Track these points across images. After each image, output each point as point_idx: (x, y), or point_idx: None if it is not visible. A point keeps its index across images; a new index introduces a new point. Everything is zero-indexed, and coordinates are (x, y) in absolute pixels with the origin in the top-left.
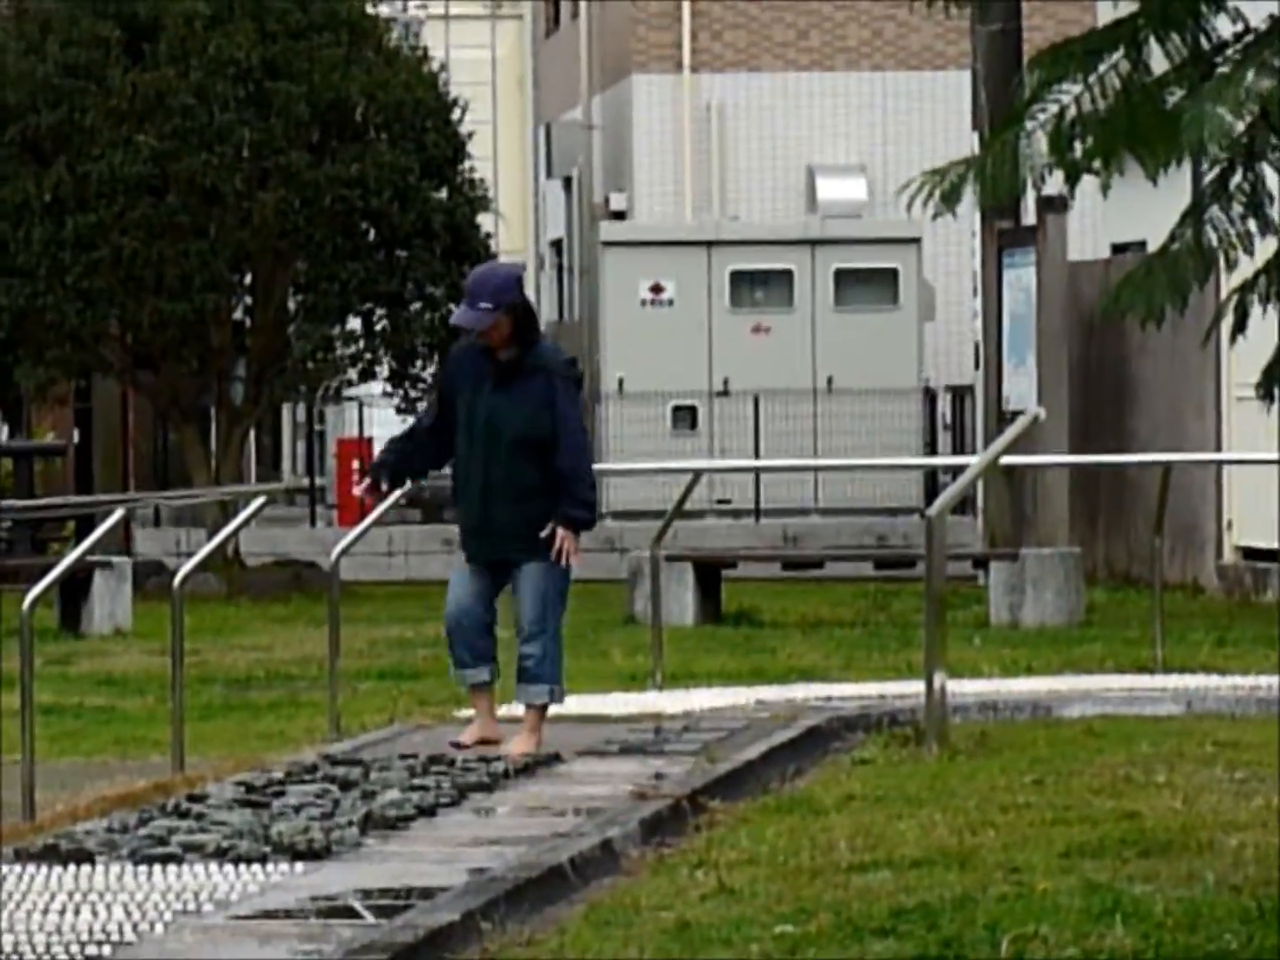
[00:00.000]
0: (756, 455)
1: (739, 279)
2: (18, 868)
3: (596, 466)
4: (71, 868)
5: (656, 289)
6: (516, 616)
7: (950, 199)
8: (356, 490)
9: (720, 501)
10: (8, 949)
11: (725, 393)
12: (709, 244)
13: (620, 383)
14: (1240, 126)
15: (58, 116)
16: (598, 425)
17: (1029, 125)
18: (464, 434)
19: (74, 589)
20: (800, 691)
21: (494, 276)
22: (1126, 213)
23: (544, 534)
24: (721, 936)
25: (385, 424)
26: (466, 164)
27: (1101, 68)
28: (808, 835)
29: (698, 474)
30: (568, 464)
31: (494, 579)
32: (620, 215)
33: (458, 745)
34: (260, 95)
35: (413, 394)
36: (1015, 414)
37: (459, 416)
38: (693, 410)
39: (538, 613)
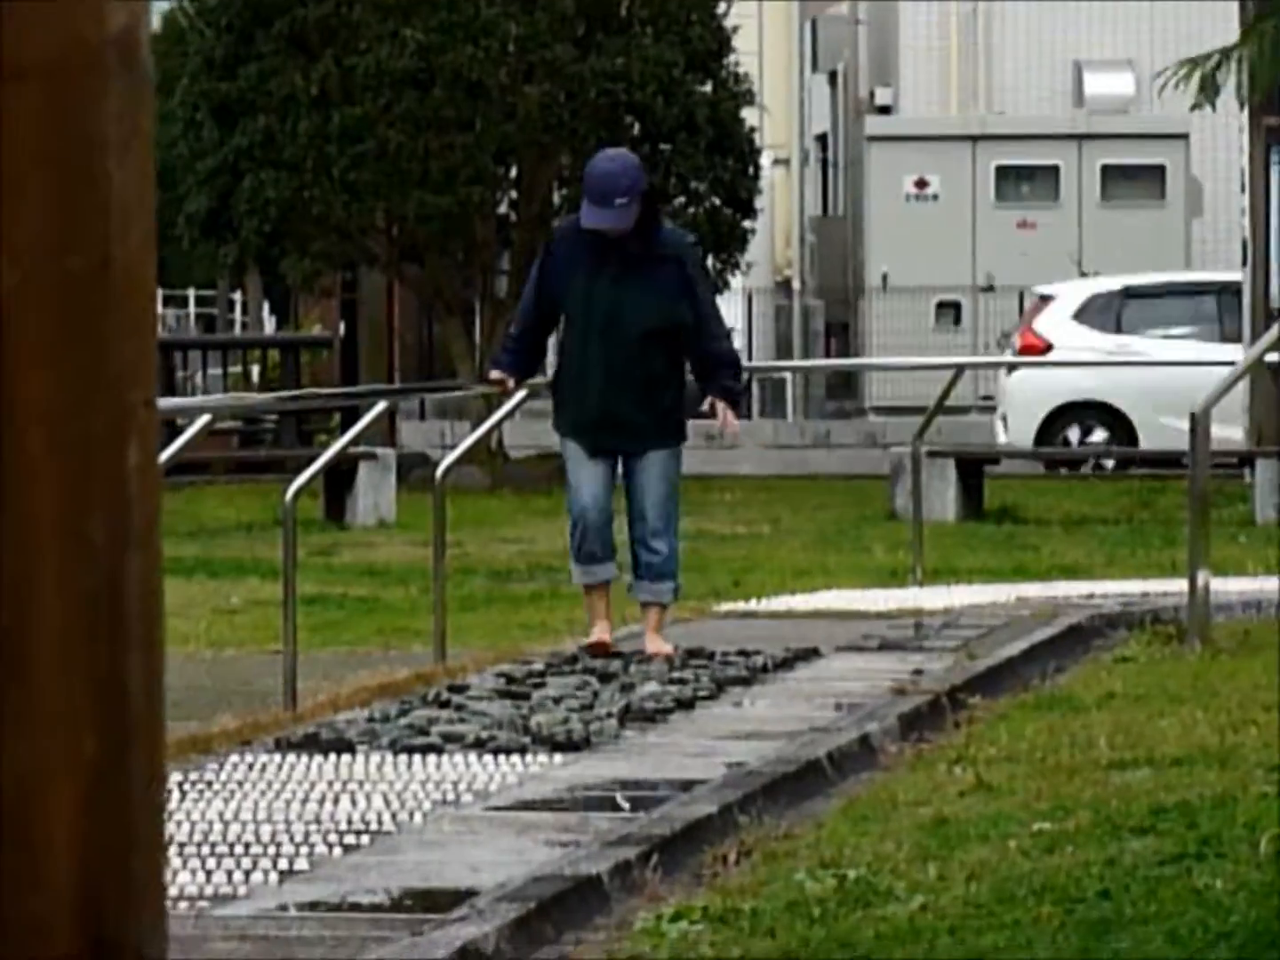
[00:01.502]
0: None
1: (1004, 174)
2: (278, 756)
3: (861, 360)
4: (332, 757)
5: (921, 184)
6: (639, 510)
7: (1208, 89)
8: (494, 375)
9: (983, 398)
10: (266, 838)
11: (990, 288)
12: (974, 139)
13: (884, 278)
14: None
15: (325, 10)
16: (860, 320)
17: None
18: (579, 323)
19: (339, 480)
20: (1062, 589)
21: (623, 169)
22: None
23: (704, 407)
24: (979, 833)
25: None
26: (731, 58)
27: None
28: (1067, 733)
29: (960, 369)
30: (718, 346)
31: (611, 471)
32: (885, 110)
33: (597, 647)
34: None
35: None
36: None
37: (572, 305)
38: (956, 305)
39: (666, 506)
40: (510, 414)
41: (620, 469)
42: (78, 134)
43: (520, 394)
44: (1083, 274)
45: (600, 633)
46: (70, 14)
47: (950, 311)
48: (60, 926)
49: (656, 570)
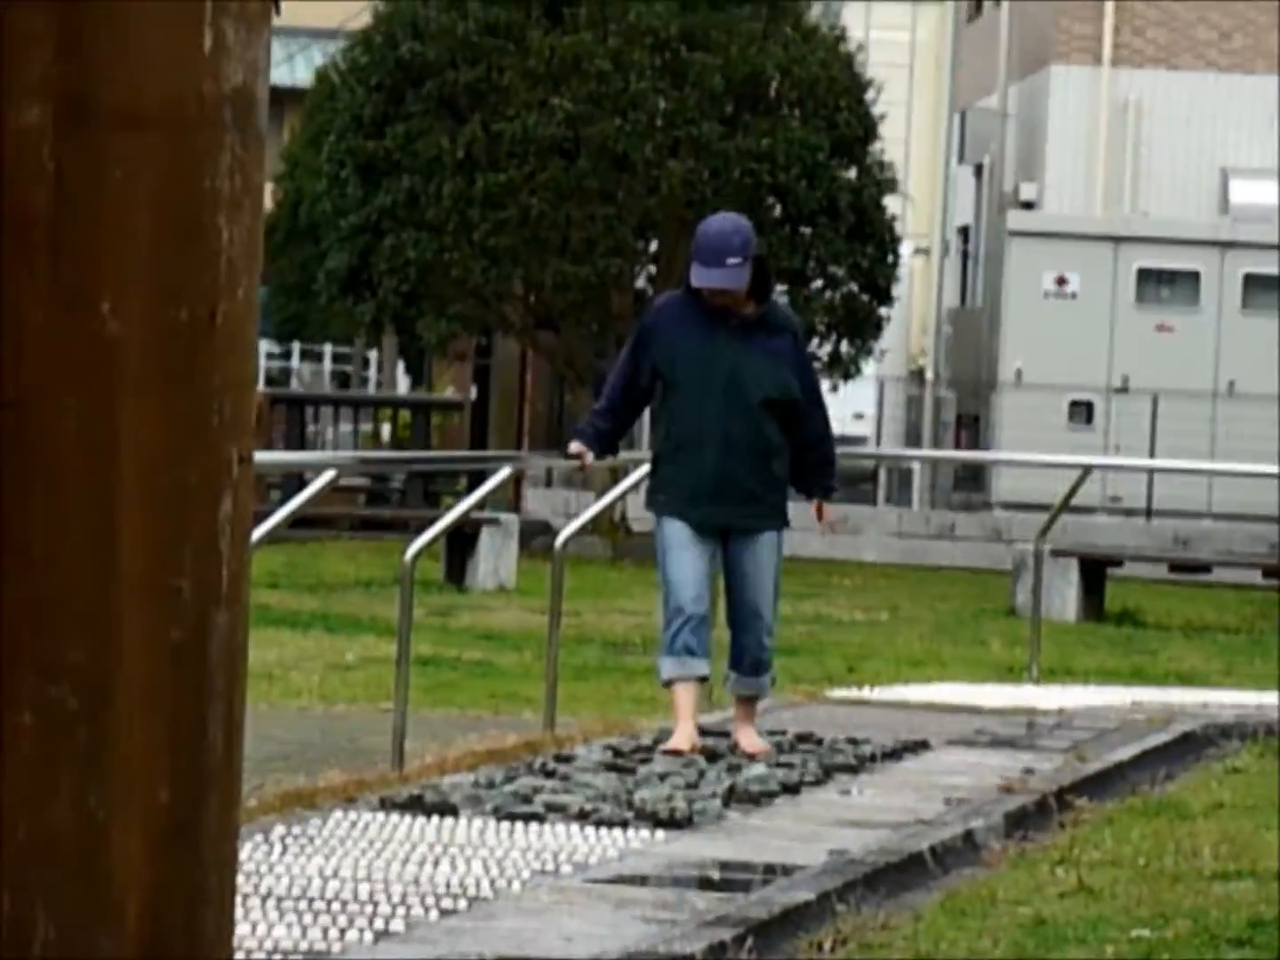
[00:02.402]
0: (1151, 454)
1: (1145, 276)
2: (382, 816)
3: (988, 455)
4: (435, 819)
5: (1061, 281)
6: (740, 595)
7: None
8: (573, 447)
9: (1111, 499)
10: (364, 896)
11: (1124, 389)
12: (1117, 239)
13: (1018, 372)
14: None
15: (475, 74)
16: (992, 413)
17: None
18: (694, 388)
19: (461, 543)
20: (1178, 695)
21: (738, 229)
22: None
23: (811, 509)
24: (1077, 935)
25: None
26: (877, 145)
27: None
28: (1172, 839)
29: (1088, 469)
30: (826, 430)
31: (711, 559)
32: (1029, 205)
33: (675, 752)
34: (676, 64)
35: None
36: None
37: (684, 372)
38: (1089, 405)
39: (772, 597)
40: (633, 487)
41: (722, 553)
42: (192, 186)
43: (643, 469)
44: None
45: (682, 739)
46: (190, 69)
47: (1083, 410)
48: None
49: (758, 663)
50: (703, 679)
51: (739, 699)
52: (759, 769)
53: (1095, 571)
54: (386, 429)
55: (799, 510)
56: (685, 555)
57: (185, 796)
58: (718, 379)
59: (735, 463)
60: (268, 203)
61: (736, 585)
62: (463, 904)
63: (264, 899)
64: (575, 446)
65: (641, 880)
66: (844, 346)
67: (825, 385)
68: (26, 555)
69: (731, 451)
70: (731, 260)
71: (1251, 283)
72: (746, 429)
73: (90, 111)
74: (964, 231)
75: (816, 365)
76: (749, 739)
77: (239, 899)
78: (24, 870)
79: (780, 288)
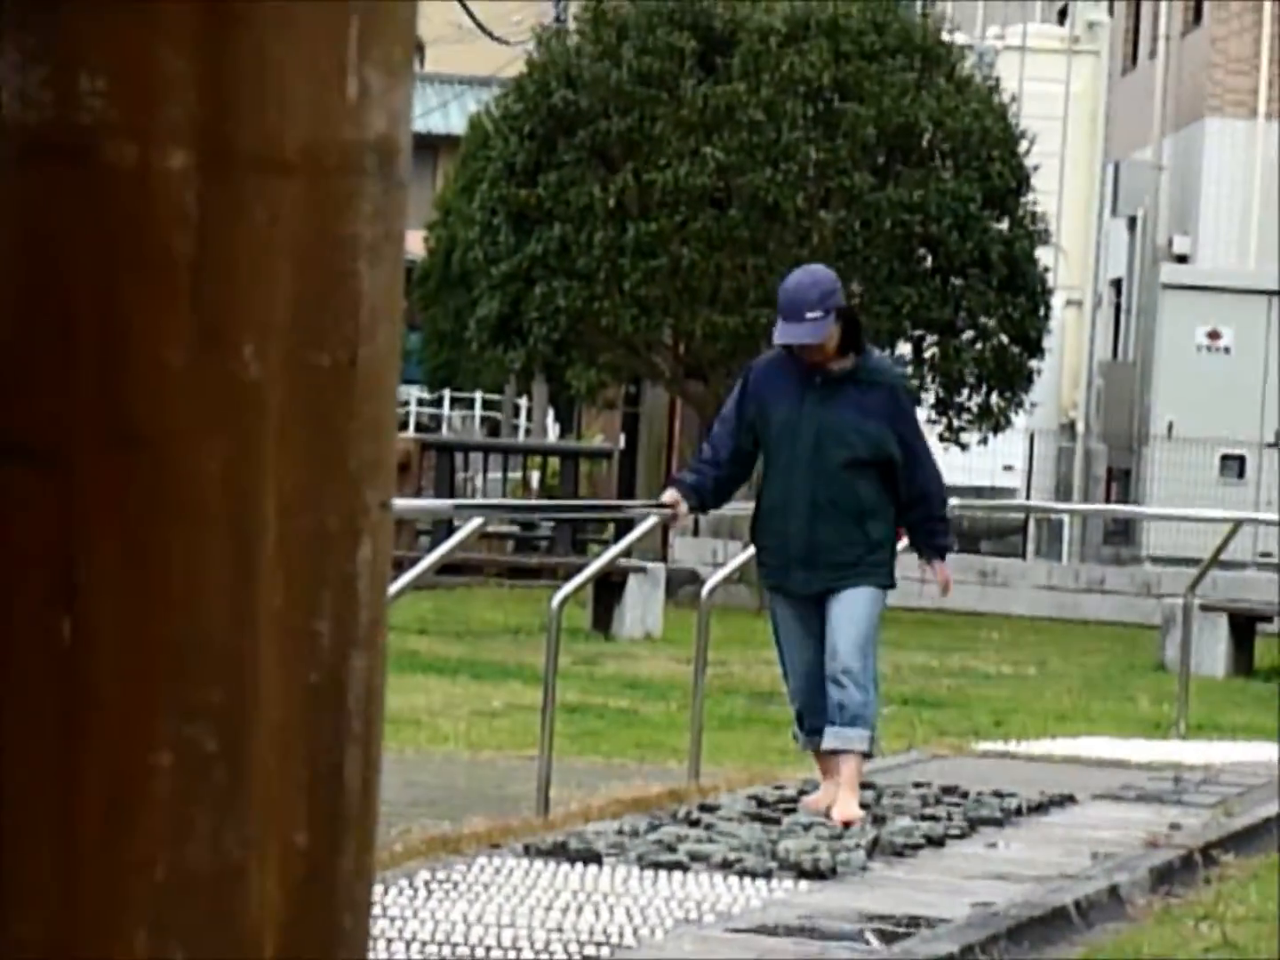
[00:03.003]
0: None
1: None
2: (526, 862)
3: (1138, 509)
4: (579, 867)
5: (1214, 335)
6: (830, 646)
7: None
8: (667, 496)
9: (1262, 555)
10: (507, 942)
11: (1276, 444)
12: (1271, 294)
13: (1170, 426)
14: None
15: (628, 123)
16: (1143, 467)
17: None
18: (782, 452)
19: (608, 591)
20: None
21: (816, 282)
22: None
23: (923, 570)
24: None
25: None
26: (1030, 196)
27: None
28: None
29: (1239, 523)
30: (930, 487)
31: (819, 630)
32: (1183, 259)
33: (814, 807)
34: (829, 115)
35: (957, 423)
36: None
37: (771, 433)
38: (1241, 459)
39: (861, 645)
40: None
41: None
42: (333, 232)
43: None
44: None
45: (824, 797)
46: (333, 116)
47: (1234, 465)
48: None
49: (848, 713)
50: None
51: (831, 754)
52: (904, 821)
53: (1245, 627)
54: (535, 476)
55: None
56: (793, 635)
57: (322, 839)
58: (804, 441)
59: (823, 529)
60: (420, 250)
61: (829, 636)
62: (605, 951)
63: (408, 944)
64: (669, 496)
65: (784, 930)
66: (994, 398)
67: (974, 437)
68: (166, 596)
69: (818, 517)
70: (811, 315)
71: None
72: (835, 492)
73: (233, 156)
74: (1116, 284)
75: (966, 417)
76: (842, 805)
77: (384, 944)
78: (161, 910)
79: (931, 338)
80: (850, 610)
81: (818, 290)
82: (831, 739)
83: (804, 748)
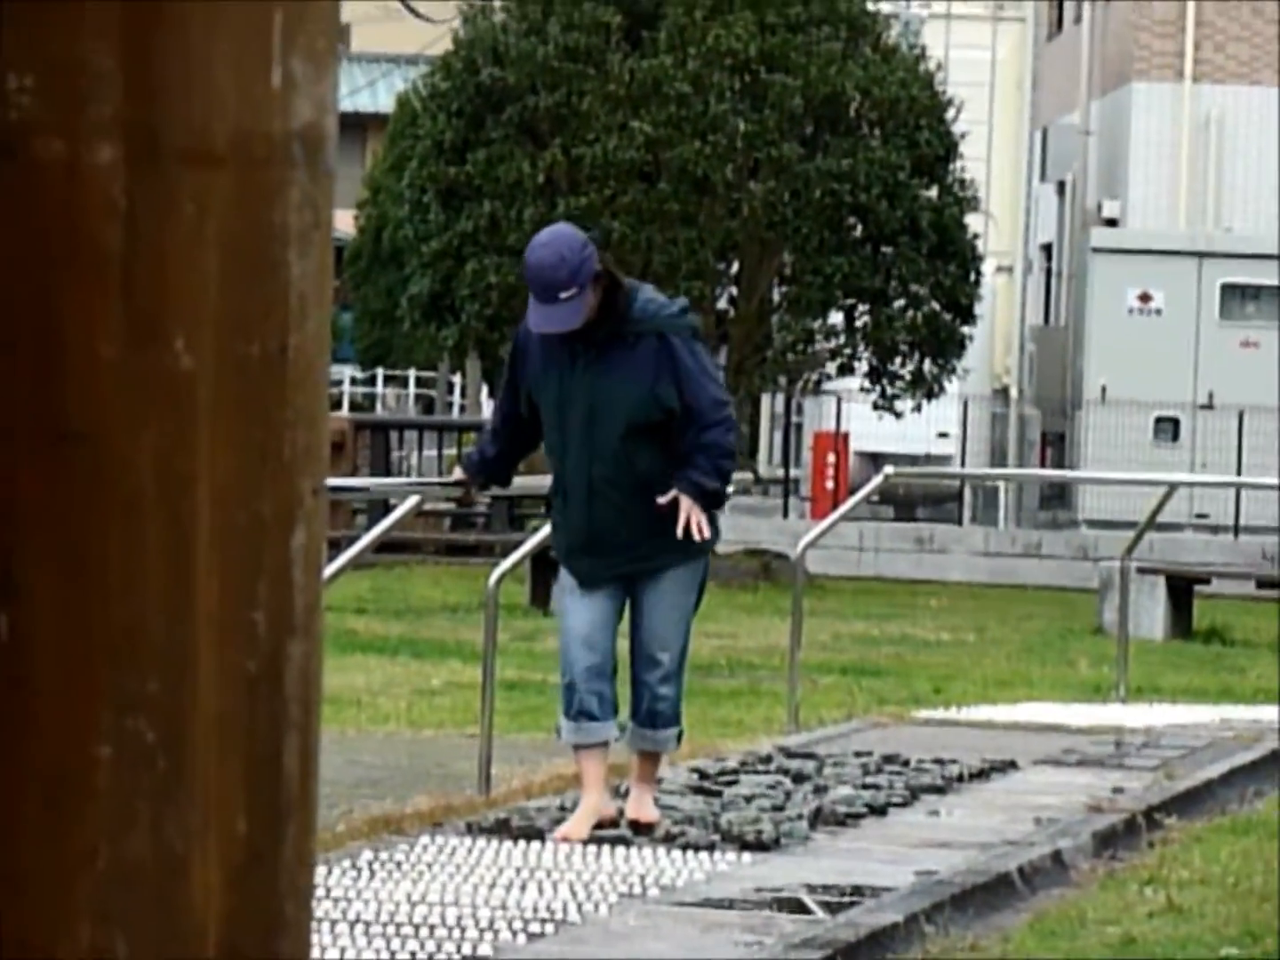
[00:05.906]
0: (1238, 471)
1: (1229, 292)
2: (469, 840)
3: (1073, 473)
4: (522, 844)
5: (1145, 298)
6: (641, 643)
7: None
8: (455, 473)
9: (1198, 516)
10: (451, 921)
11: (1209, 406)
12: (1200, 255)
13: (1103, 390)
14: None
15: (556, 99)
16: (1077, 431)
17: None
18: (555, 428)
19: (546, 567)
20: (1266, 713)
21: (563, 259)
22: None
23: (661, 500)
24: (1166, 955)
25: (861, 419)
26: (958, 164)
27: None
28: (1261, 858)
29: (1174, 486)
30: (702, 426)
31: (613, 603)
32: (1112, 222)
33: (566, 839)
34: (756, 86)
35: (890, 390)
36: None
37: (547, 413)
38: (1175, 422)
39: (675, 640)
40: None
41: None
42: (261, 222)
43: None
44: None
45: (592, 811)
46: (259, 107)
47: (1169, 427)
48: None
49: (664, 717)
50: (603, 743)
51: (638, 755)
52: (845, 790)
53: (1182, 589)
54: None
55: (868, 530)
56: (576, 605)
57: (262, 826)
58: (577, 414)
59: (603, 510)
60: (350, 229)
61: (633, 626)
62: (550, 928)
63: (352, 924)
64: (457, 474)
65: (729, 903)
66: (927, 365)
67: (908, 405)
68: (103, 589)
69: (596, 498)
70: (565, 294)
71: None
72: (613, 468)
73: (161, 150)
74: (1046, 249)
75: (900, 384)
76: (639, 805)
77: (328, 925)
78: (104, 900)
79: (862, 307)
80: (659, 598)
81: (566, 269)
82: (640, 741)
83: (567, 737)
